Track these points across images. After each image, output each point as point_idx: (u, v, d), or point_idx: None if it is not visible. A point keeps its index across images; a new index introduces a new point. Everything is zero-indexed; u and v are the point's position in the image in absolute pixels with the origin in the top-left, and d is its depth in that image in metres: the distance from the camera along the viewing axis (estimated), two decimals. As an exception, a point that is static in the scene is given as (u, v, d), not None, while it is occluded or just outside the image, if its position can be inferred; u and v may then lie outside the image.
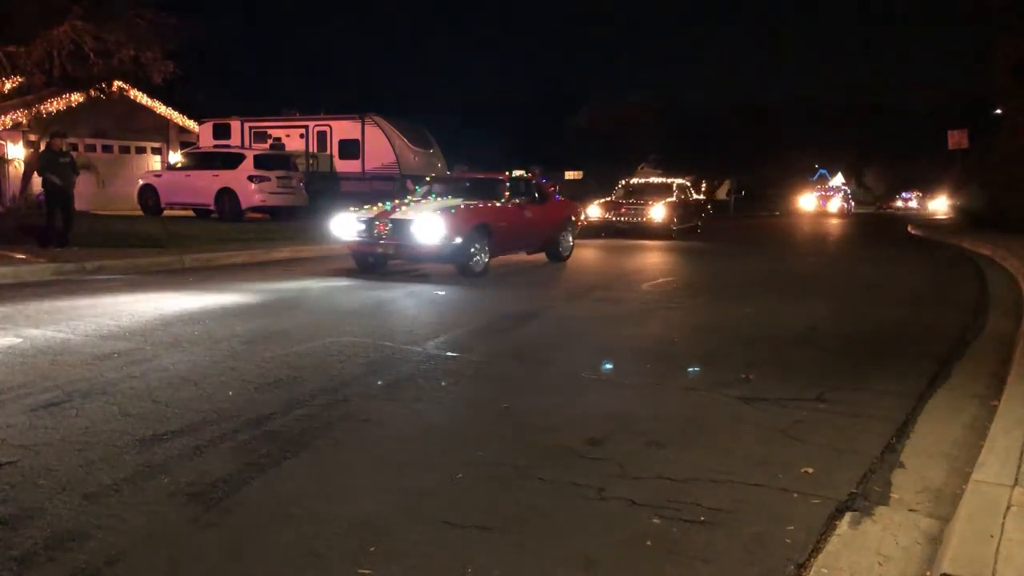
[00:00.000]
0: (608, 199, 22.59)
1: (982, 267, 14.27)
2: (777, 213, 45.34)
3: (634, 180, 24.85)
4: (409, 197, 13.44)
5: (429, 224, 11.06)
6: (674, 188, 22.72)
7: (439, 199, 12.78)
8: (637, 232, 20.73)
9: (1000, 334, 7.42)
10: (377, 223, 11.36)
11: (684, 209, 22.14)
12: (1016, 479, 3.45)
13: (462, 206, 11.79)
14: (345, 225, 11.72)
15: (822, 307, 9.27)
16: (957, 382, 5.64)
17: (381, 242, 11.33)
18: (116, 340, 6.58)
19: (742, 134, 52.58)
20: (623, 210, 21.29)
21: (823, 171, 72.28)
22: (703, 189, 32.36)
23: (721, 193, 52.04)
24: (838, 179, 69.96)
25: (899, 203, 70.67)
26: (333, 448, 4.17)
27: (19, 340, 6.49)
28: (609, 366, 6.13)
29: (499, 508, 3.44)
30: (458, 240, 11.09)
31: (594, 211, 21.35)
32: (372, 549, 3.04)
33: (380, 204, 12.32)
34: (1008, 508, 3.15)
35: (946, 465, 3.98)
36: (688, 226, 22.31)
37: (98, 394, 5.01)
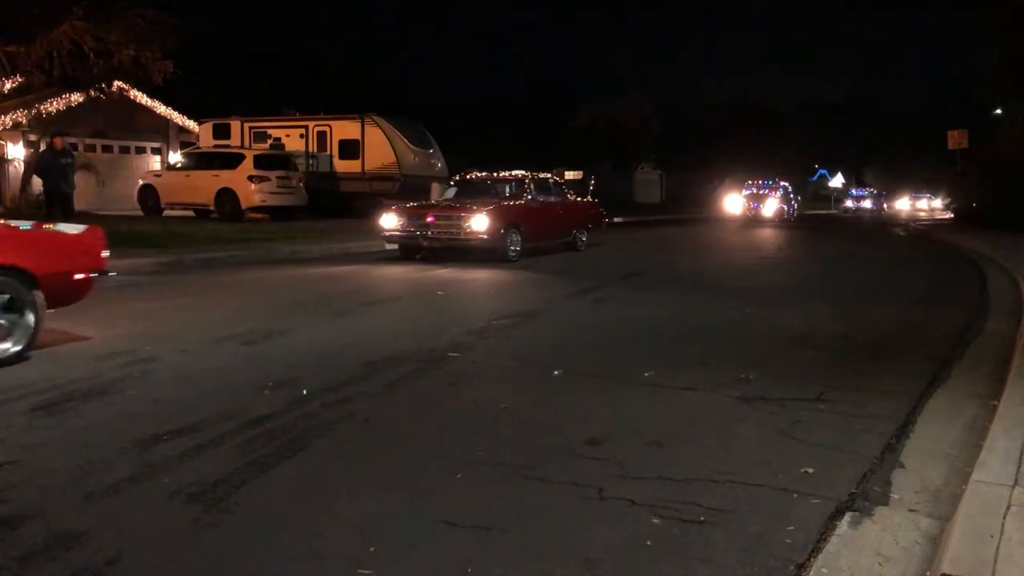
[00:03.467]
0: (414, 203, 14.63)
1: (982, 266, 14.26)
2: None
3: (473, 175, 16.37)
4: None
5: None
6: (527, 184, 15.13)
7: None
8: (457, 255, 13.38)
9: (1000, 334, 7.42)
10: None
11: (541, 216, 14.75)
12: (1016, 479, 3.45)
13: None
14: None
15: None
16: (957, 382, 5.64)
17: None
18: (116, 340, 6.57)
19: (742, 133, 52.64)
20: (430, 220, 13.29)
21: (823, 171, 72.23)
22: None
23: None
24: (838, 179, 69.81)
25: (848, 203, 55.00)
26: (333, 448, 4.17)
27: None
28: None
29: (499, 508, 3.44)
30: None
31: (389, 221, 13.65)
32: (372, 549, 3.04)
33: None
34: (1008, 508, 3.15)
35: (946, 465, 3.98)
36: (557, 242, 15.37)
37: (98, 394, 5.01)
